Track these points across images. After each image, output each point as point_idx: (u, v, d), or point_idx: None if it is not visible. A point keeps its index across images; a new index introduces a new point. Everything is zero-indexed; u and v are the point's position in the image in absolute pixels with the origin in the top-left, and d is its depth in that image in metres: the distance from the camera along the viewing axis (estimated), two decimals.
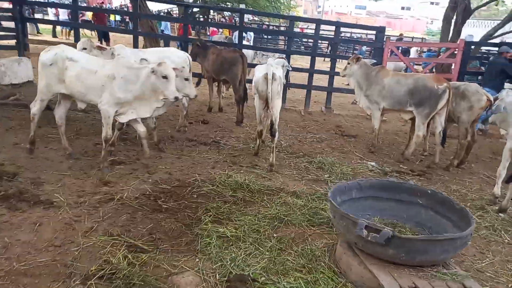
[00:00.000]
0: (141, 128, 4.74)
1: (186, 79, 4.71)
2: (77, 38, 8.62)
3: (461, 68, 9.30)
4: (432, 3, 69.11)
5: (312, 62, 8.94)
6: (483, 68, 12.83)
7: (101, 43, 14.77)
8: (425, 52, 19.20)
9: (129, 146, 5.42)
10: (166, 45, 13.56)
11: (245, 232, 3.41)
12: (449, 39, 13.23)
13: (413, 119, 6.24)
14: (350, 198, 3.33)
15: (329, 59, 9.52)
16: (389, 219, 3.33)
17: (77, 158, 4.76)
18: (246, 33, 19.00)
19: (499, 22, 13.59)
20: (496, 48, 9.52)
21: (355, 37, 27.59)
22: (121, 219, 3.44)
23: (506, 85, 8.10)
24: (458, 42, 9.09)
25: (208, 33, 26.50)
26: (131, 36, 9.09)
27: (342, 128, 8.02)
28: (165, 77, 4.13)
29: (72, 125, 5.89)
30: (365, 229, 2.55)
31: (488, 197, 4.87)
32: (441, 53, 15.08)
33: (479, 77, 10.18)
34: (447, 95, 5.58)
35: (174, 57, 5.86)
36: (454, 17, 13.19)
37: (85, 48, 5.31)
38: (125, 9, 29.23)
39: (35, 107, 4.63)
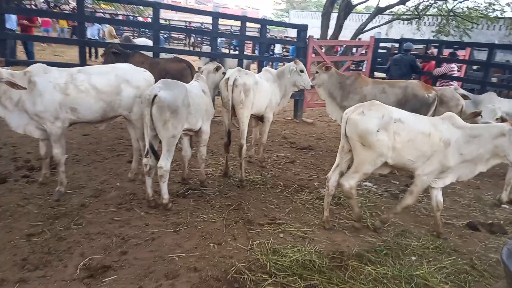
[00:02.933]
0: None
1: None
2: None
3: (372, 65, 9.57)
4: None
5: (240, 65, 7.75)
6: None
7: None
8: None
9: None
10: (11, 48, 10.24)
11: None
12: (329, 33, 13.79)
13: None
14: None
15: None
16: None
17: None
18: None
19: (368, 16, 14.78)
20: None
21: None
22: None
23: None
24: (369, 40, 9.20)
25: (38, 24, 21.87)
26: None
27: (288, 138, 7.25)
28: None
29: None
30: None
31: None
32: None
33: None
34: (436, 103, 5.33)
35: (138, 79, 4.01)
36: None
37: None
38: None
39: (353, 181, 3.57)
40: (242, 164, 4.74)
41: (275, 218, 3.95)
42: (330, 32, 13.85)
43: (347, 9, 12.97)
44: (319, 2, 56.36)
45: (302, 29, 8.41)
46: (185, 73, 5.28)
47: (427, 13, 19.23)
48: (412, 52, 8.60)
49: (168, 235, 3.40)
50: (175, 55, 6.14)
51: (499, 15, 17.30)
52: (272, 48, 20.26)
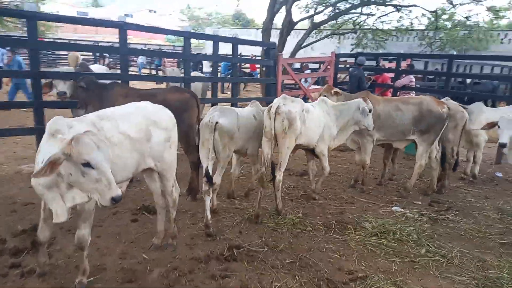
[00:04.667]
0: None
1: None
2: None
3: (334, 80, 9.52)
4: (150, 11, 72.35)
5: (214, 90, 7.00)
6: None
7: None
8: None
9: None
10: None
11: None
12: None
13: (387, 145, 5.74)
14: None
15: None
16: None
17: None
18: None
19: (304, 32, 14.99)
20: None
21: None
22: None
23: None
24: (331, 55, 9.15)
25: None
26: None
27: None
28: None
29: None
30: None
31: None
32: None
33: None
34: (448, 118, 5.25)
35: (165, 119, 3.17)
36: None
37: None
38: None
39: None
40: (277, 196, 4.38)
41: (352, 271, 3.37)
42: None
43: (289, 26, 12.94)
44: (223, 18, 58.84)
45: (271, 47, 8.01)
46: (190, 104, 4.42)
47: (353, 27, 20.18)
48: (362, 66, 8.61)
49: None
50: (174, 85, 5.19)
51: (410, 28, 19.02)
52: (200, 66, 19.55)
